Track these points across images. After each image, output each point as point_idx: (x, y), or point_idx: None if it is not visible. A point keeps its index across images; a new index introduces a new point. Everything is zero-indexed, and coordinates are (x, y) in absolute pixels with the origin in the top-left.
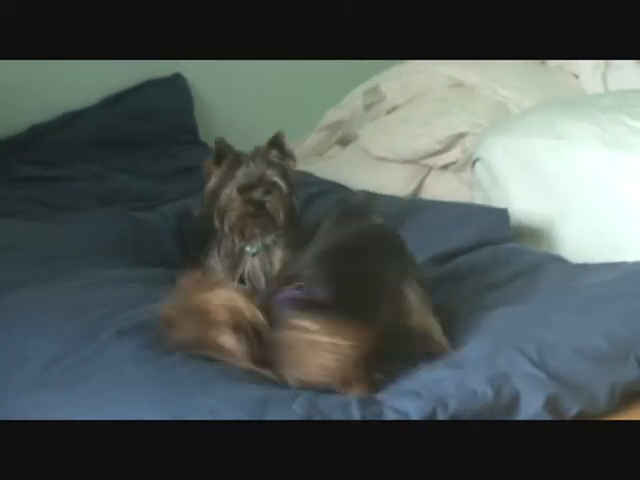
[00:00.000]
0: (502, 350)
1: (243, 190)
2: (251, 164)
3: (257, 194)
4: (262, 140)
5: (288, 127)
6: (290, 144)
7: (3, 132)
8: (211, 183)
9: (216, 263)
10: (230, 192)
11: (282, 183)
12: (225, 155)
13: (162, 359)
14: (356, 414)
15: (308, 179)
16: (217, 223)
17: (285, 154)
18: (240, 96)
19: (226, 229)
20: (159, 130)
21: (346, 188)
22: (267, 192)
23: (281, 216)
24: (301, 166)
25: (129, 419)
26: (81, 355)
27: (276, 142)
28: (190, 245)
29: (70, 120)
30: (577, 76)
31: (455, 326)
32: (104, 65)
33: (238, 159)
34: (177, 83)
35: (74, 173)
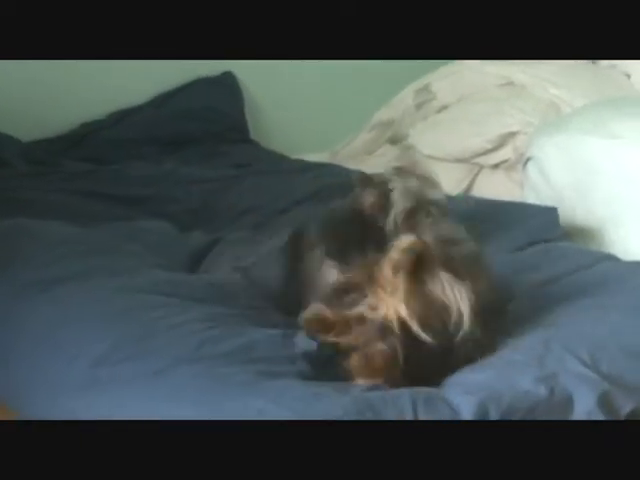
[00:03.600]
0: (552, 350)
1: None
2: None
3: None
4: (311, 138)
5: (338, 126)
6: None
7: (54, 130)
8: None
9: None
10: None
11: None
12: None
13: (212, 360)
14: (408, 407)
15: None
16: None
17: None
18: (291, 94)
19: None
20: (209, 129)
21: None
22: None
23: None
24: (351, 164)
25: (177, 419)
26: (130, 355)
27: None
28: None
29: (120, 118)
30: (629, 75)
31: (503, 325)
32: (154, 63)
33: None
34: (227, 81)
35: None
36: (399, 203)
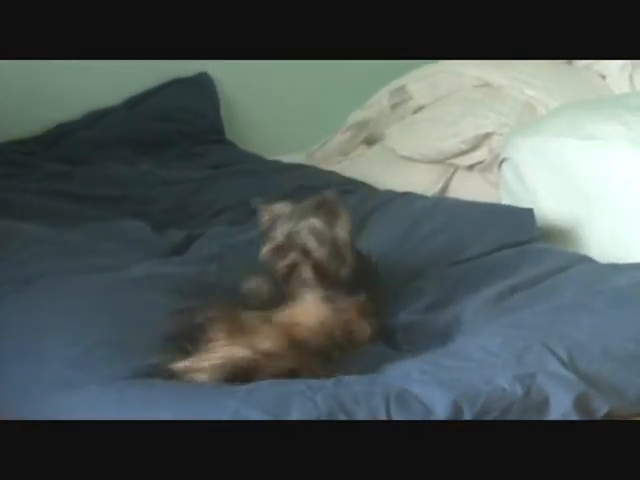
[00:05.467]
0: (531, 349)
1: (275, 251)
2: (290, 221)
3: (290, 257)
4: (287, 139)
5: (314, 126)
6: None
7: (30, 130)
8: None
9: None
10: (266, 252)
11: (316, 246)
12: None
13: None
14: (381, 406)
15: (332, 178)
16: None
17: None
18: (266, 95)
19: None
20: (185, 129)
21: (371, 187)
22: (301, 254)
23: (313, 280)
24: (326, 165)
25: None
26: (104, 358)
27: (324, 204)
28: None
29: (96, 119)
30: (604, 76)
31: (482, 324)
32: (129, 64)
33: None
34: (203, 82)
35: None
36: None
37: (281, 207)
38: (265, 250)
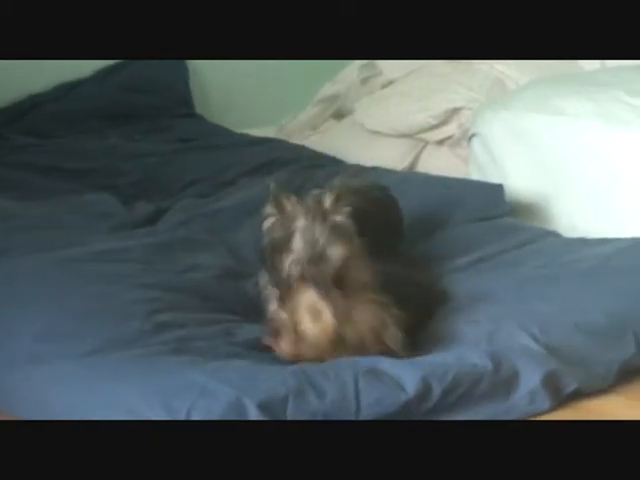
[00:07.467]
0: (502, 323)
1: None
2: (310, 229)
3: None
4: (257, 113)
5: (284, 100)
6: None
7: (0, 101)
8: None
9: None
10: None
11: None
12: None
13: (150, 339)
14: (350, 380)
15: (301, 152)
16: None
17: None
18: (236, 69)
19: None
20: (154, 102)
21: (340, 161)
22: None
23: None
24: (296, 139)
25: (119, 395)
26: (68, 332)
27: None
28: None
29: (65, 91)
30: None
31: (449, 298)
32: None
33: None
34: None
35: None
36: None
37: (293, 208)
38: (289, 262)
